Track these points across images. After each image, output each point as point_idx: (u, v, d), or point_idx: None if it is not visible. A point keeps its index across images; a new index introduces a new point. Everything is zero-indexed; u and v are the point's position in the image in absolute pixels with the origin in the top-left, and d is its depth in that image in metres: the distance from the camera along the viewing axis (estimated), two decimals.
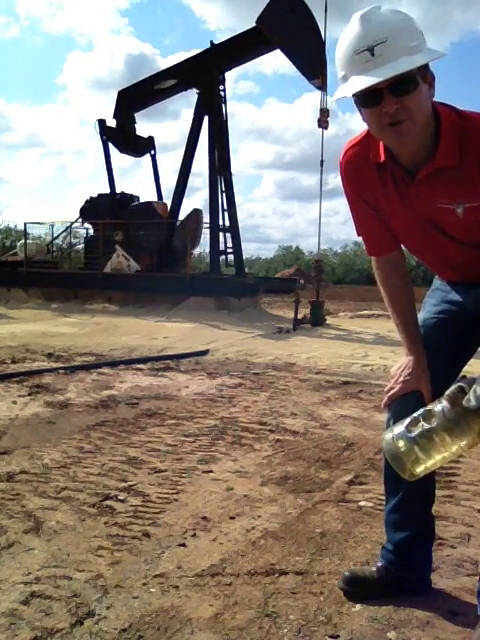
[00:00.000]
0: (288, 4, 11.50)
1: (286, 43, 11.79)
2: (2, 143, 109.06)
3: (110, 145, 14.54)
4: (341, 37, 1.44)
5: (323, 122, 10.84)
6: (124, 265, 13.55)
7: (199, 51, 13.47)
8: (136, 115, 14.95)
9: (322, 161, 11.02)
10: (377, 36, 1.35)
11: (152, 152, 15.68)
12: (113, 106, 14.97)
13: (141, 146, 15.23)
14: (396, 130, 1.42)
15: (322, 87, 11.38)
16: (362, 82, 1.37)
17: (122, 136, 14.46)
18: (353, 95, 1.43)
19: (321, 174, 11.19)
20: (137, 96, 14.16)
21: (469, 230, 1.56)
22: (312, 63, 11.54)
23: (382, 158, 1.57)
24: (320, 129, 10.86)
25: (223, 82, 13.83)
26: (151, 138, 15.59)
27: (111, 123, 14.51)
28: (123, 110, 14.31)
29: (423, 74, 1.40)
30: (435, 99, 1.52)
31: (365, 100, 1.43)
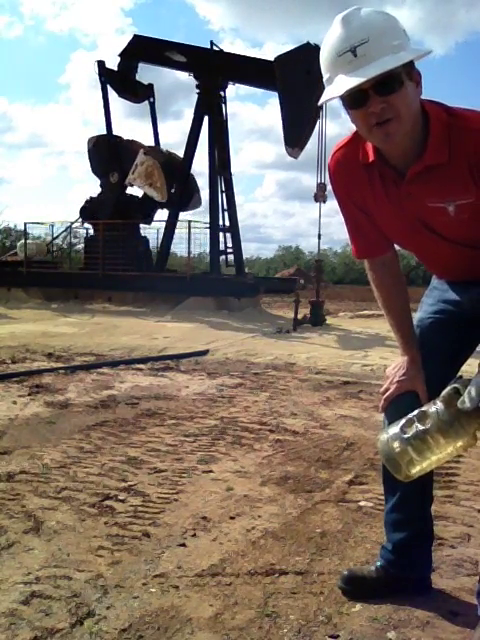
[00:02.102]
0: (308, 65, 11.11)
1: (286, 97, 11.69)
2: (4, 143, 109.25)
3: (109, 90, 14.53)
4: (324, 40, 1.43)
5: (320, 196, 10.86)
6: (147, 174, 13.50)
7: (210, 48, 13.56)
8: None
9: (319, 235, 11.19)
10: (359, 36, 1.34)
11: (151, 100, 15.63)
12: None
13: (141, 92, 15.16)
14: (383, 130, 1.41)
15: (295, 157, 11.52)
16: (346, 83, 1.36)
17: (121, 79, 14.40)
18: (339, 97, 1.41)
19: (319, 247, 11.37)
20: (147, 49, 14.09)
21: (461, 228, 1.54)
22: (297, 132, 11.47)
23: (371, 158, 1.55)
24: (318, 202, 10.94)
25: (225, 85, 13.88)
26: (151, 85, 15.52)
27: (110, 68, 14.44)
28: (130, 53, 14.24)
29: (408, 72, 1.39)
30: (436, 99, 1.51)
31: (351, 101, 1.42)
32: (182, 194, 14.10)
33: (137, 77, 14.69)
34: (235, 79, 13.93)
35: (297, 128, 11.49)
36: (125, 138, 14.98)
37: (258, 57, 13.19)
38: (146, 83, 15.26)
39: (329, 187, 1.78)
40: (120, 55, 14.30)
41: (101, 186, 14.66)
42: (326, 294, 14.54)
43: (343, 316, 13.44)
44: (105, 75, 14.30)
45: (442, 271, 1.80)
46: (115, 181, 14.00)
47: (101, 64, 14.29)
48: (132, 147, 14.44)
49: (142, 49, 14.09)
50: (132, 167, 13.63)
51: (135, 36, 14.32)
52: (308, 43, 11.58)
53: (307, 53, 11.41)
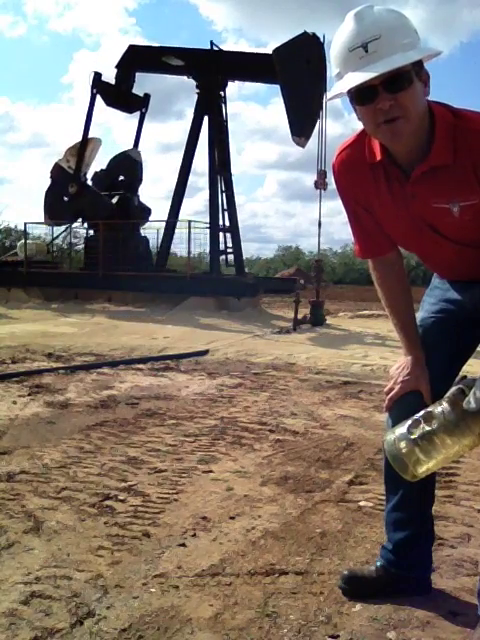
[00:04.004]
0: (307, 54, 11.19)
1: (289, 89, 11.64)
2: (6, 143, 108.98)
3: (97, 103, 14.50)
4: (336, 35, 1.44)
5: (321, 184, 10.87)
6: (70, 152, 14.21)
7: (208, 48, 13.56)
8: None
9: (320, 223, 11.23)
10: (371, 33, 1.36)
11: (143, 110, 15.58)
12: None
13: (133, 103, 15.11)
14: (391, 127, 1.42)
15: (302, 146, 11.53)
16: (356, 78, 1.37)
17: (116, 90, 14.33)
18: (348, 92, 1.42)
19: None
20: (144, 57, 14.07)
21: (465, 229, 1.55)
22: (302, 121, 11.44)
23: (378, 157, 1.56)
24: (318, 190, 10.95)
25: (225, 85, 13.88)
26: (147, 96, 15.45)
27: (106, 80, 14.36)
28: (126, 63, 14.21)
29: (417, 71, 1.40)
30: (440, 99, 1.52)
31: (360, 97, 1.43)
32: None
33: (137, 78, 14.65)
34: (235, 76, 13.92)
35: (302, 117, 11.44)
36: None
37: (256, 52, 13.20)
38: (142, 94, 15.25)
39: (331, 182, 1.77)
40: (117, 67, 14.27)
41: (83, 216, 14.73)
42: (326, 294, 14.55)
43: (343, 316, 13.44)
44: (98, 87, 14.15)
45: (445, 271, 1.80)
46: (75, 190, 14.06)
47: (97, 76, 14.12)
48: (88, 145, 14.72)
49: (138, 58, 14.07)
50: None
51: (130, 46, 14.26)
52: (305, 32, 11.49)
53: (305, 42, 11.38)
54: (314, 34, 11.47)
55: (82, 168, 14.33)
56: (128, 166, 14.97)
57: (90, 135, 14.53)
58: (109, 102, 14.51)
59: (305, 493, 2.66)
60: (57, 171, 14.50)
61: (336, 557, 2.07)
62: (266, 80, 13.34)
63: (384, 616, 1.71)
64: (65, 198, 14.23)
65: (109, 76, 14.32)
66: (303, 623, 1.67)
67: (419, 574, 1.84)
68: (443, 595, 1.84)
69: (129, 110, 15.32)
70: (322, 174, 10.81)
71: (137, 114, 15.64)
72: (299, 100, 11.38)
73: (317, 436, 3.60)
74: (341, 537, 2.23)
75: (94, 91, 14.17)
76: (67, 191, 14.13)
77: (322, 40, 11.43)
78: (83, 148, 14.26)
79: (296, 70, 11.27)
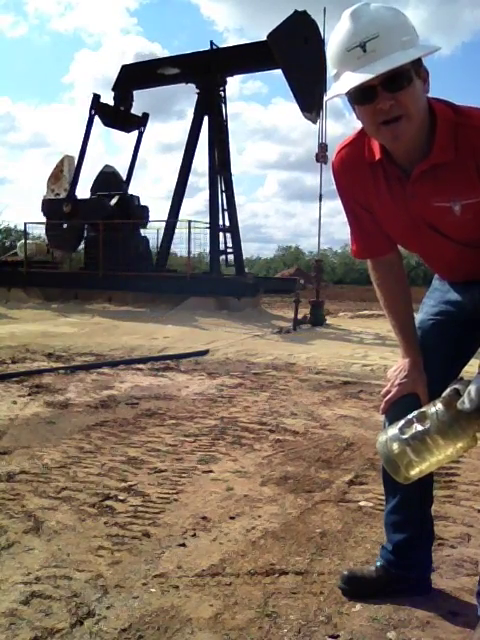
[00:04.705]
0: (303, 33, 11.21)
1: (290, 69, 11.63)
2: (7, 143, 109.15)
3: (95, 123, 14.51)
4: (332, 35, 1.41)
5: (321, 157, 10.91)
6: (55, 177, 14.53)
7: (205, 49, 13.54)
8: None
9: (320, 195, 11.23)
10: (368, 32, 1.33)
11: (142, 129, 15.62)
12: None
13: (131, 123, 15.17)
14: (392, 128, 1.40)
15: (314, 122, 11.50)
16: (355, 79, 1.34)
17: (113, 110, 14.33)
18: (346, 93, 1.40)
19: (320, 209, 11.37)
20: (139, 74, 14.09)
21: (466, 228, 1.54)
22: (310, 97, 11.44)
23: (377, 156, 1.54)
24: (319, 163, 10.99)
25: (224, 83, 13.85)
26: (146, 115, 15.48)
27: (105, 100, 14.35)
28: (122, 84, 14.23)
29: (417, 69, 1.38)
30: (441, 98, 1.50)
31: (359, 97, 1.40)
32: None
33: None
34: (234, 71, 13.86)
35: (308, 93, 11.44)
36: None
37: (251, 42, 13.05)
38: (140, 114, 15.29)
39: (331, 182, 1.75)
40: (113, 89, 14.27)
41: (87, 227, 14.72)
42: (326, 294, 14.55)
43: (343, 316, 13.44)
44: (95, 108, 14.10)
45: (445, 271, 1.79)
46: (69, 208, 14.07)
47: (96, 98, 14.06)
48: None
49: (133, 76, 14.08)
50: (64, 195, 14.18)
51: (123, 66, 14.27)
52: (296, 11, 11.49)
53: (298, 20, 11.40)
54: (305, 11, 11.48)
55: (76, 186, 14.33)
56: (111, 181, 15.01)
57: (61, 152, 14.67)
58: (107, 123, 14.55)
59: (305, 493, 2.66)
60: (47, 205, 14.54)
61: (336, 557, 2.07)
62: (266, 67, 13.27)
63: (384, 616, 1.71)
64: (64, 225, 14.20)
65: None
66: (303, 623, 1.67)
67: (419, 574, 1.84)
68: (443, 595, 1.84)
69: (127, 130, 15.38)
70: (323, 147, 10.85)
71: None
72: (302, 77, 11.36)
73: (317, 436, 3.60)
74: (341, 537, 2.23)
75: (92, 112, 14.18)
76: (65, 217, 14.09)
77: (323, 26, 11.44)
78: (79, 166, 14.27)
79: (294, 48, 11.27)
